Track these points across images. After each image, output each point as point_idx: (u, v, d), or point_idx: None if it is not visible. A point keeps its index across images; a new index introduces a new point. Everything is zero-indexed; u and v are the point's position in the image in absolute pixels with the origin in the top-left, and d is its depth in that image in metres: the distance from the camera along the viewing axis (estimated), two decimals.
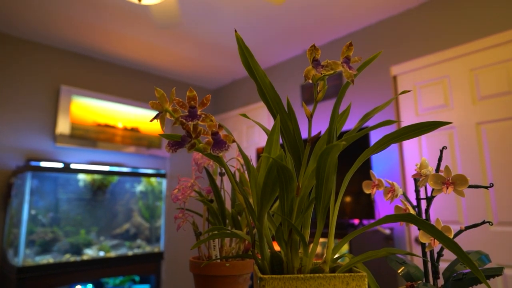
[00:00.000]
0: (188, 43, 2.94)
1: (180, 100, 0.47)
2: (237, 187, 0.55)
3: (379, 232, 2.25)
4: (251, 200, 0.55)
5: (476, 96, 2.13)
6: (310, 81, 0.50)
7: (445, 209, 2.16)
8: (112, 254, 2.68)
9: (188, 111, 0.46)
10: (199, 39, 2.87)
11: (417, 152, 2.32)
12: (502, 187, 1.97)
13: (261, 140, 3.41)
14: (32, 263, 2.31)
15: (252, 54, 0.52)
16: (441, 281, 0.70)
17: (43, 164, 2.46)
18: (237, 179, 0.78)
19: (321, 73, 0.48)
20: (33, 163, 2.43)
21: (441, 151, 0.70)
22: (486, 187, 0.66)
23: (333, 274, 0.45)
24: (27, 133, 2.78)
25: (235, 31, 0.53)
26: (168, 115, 0.48)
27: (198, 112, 0.46)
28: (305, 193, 0.51)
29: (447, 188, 0.64)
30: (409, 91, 0.54)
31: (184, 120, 0.45)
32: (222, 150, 0.46)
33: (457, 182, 0.64)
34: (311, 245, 0.51)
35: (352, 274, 0.46)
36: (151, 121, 0.47)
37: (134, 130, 3.28)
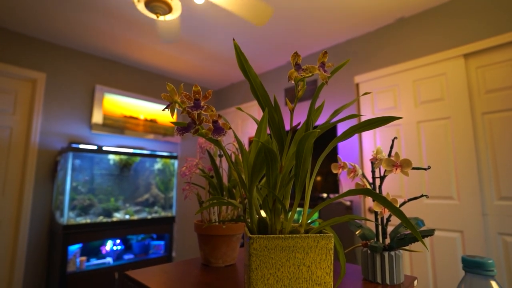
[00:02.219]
0: (196, 53, 2.88)
1: (187, 93, 0.44)
2: (232, 166, 0.53)
3: (341, 204, 2.26)
4: (243, 176, 0.54)
5: (418, 101, 2.13)
6: (293, 82, 0.47)
7: (392, 186, 2.18)
8: (135, 217, 2.66)
9: (193, 103, 0.44)
10: (205, 50, 2.81)
11: (372, 142, 2.33)
12: (433, 170, 2.00)
13: (253, 131, 3.38)
14: (74, 222, 2.28)
15: (246, 58, 0.49)
16: (388, 240, 0.70)
17: (82, 146, 2.40)
18: (233, 160, 0.76)
19: (302, 75, 0.46)
20: (74, 145, 2.37)
21: (393, 141, 0.69)
22: (425, 169, 0.65)
23: (307, 235, 0.44)
24: (70, 122, 2.71)
25: (233, 39, 0.50)
26: (177, 106, 0.46)
27: (202, 104, 0.44)
28: (286, 171, 0.50)
29: (396, 169, 0.64)
30: (369, 93, 0.53)
31: (190, 110, 0.43)
32: (221, 135, 0.44)
33: (404, 165, 0.63)
34: (290, 212, 0.50)
35: (322, 234, 0.45)
36: (163, 110, 0.45)
37: (152, 121, 3.22)
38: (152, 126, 3.20)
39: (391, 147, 0.68)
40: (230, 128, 0.46)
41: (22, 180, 2.43)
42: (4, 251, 2.31)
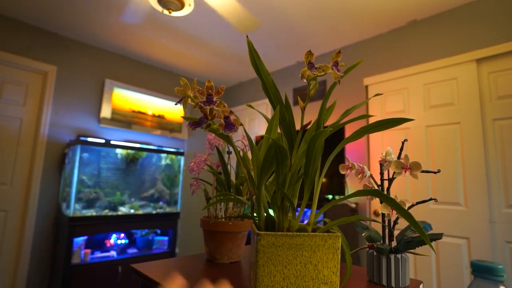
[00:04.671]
0: (206, 50, 2.89)
1: (200, 88, 0.44)
2: (242, 162, 0.54)
3: (347, 206, 2.25)
4: (252, 173, 0.54)
5: (427, 105, 2.11)
6: (305, 80, 0.48)
7: (398, 190, 2.16)
8: (140, 212, 2.69)
9: (206, 98, 0.44)
10: (214, 47, 2.82)
11: (380, 145, 2.31)
12: (440, 175, 1.97)
13: (260, 130, 3.39)
14: (80, 214, 2.31)
15: (259, 56, 0.49)
16: (394, 243, 0.69)
17: (90, 139, 2.43)
18: (241, 156, 0.76)
19: (314, 74, 0.46)
20: (82, 138, 2.40)
21: (403, 143, 0.68)
22: (435, 172, 0.65)
23: (314, 233, 0.44)
24: (79, 115, 2.74)
25: (247, 36, 0.50)
26: (189, 100, 0.46)
27: (214, 99, 0.44)
28: (296, 170, 0.50)
29: (405, 172, 0.63)
30: (381, 94, 0.53)
31: (202, 105, 0.43)
32: (232, 131, 0.45)
33: (413, 168, 0.63)
34: (299, 211, 0.50)
35: (330, 234, 0.45)
36: (175, 104, 0.45)
37: (160, 117, 3.24)
38: (159, 122, 3.22)
39: (401, 149, 0.67)
40: (241, 124, 0.46)
41: (30, 171, 2.47)
42: (11, 240, 2.36)
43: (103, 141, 2.51)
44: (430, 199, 0.65)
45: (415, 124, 2.14)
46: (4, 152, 2.37)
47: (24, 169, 2.46)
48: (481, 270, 0.41)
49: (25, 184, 2.45)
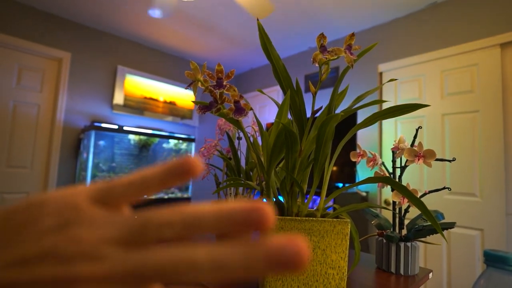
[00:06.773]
0: (216, 36, 2.86)
1: (210, 72, 0.44)
2: (251, 147, 0.53)
3: (357, 194, 2.24)
4: (262, 158, 0.54)
5: (444, 92, 2.04)
6: (317, 64, 0.46)
7: (410, 179, 2.13)
8: (153, 196, 2.75)
9: (216, 82, 0.44)
10: (226, 33, 2.78)
11: (393, 133, 2.27)
12: (455, 165, 1.92)
13: (270, 117, 3.37)
14: None
15: (269, 39, 0.48)
16: (404, 231, 0.69)
17: (103, 125, 2.48)
18: (251, 142, 0.76)
19: (326, 58, 0.45)
20: (96, 124, 2.45)
21: (417, 130, 0.67)
22: (449, 161, 0.63)
23: (323, 219, 0.44)
24: (93, 101, 2.79)
25: (257, 20, 0.49)
26: (199, 84, 0.46)
27: (224, 83, 0.44)
28: (305, 155, 0.49)
29: (419, 160, 0.62)
30: (395, 79, 0.51)
31: (212, 88, 0.43)
32: (242, 115, 0.44)
33: (427, 156, 0.61)
34: (308, 196, 0.50)
35: (339, 219, 0.44)
36: (186, 88, 0.45)
37: (172, 103, 3.26)
38: (171, 108, 3.25)
39: (415, 136, 0.66)
40: (251, 109, 0.46)
41: (48, 155, 2.56)
42: None
43: (116, 127, 2.55)
44: (444, 188, 0.64)
45: (431, 112, 2.07)
46: (24, 136, 2.45)
47: (43, 153, 2.55)
48: (494, 260, 0.40)
49: (44, 168, 2.54)
